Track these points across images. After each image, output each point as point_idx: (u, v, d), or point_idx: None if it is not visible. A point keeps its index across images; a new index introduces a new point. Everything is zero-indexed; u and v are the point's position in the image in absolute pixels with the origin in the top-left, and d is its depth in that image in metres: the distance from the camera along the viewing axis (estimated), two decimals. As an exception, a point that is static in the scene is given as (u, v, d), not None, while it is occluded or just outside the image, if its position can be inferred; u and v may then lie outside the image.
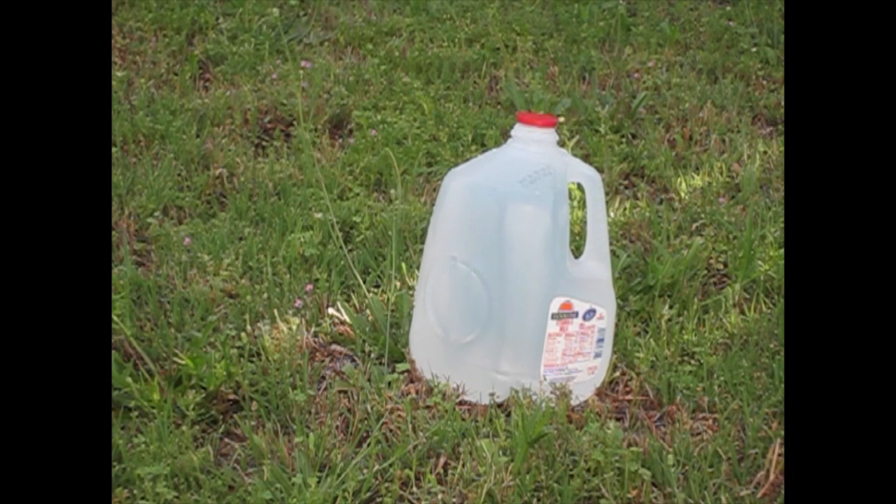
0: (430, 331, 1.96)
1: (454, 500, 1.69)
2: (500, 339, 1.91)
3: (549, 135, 1.94)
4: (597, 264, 1.96)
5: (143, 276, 2.25)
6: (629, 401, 1.96)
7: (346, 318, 2.12)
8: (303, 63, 3.40)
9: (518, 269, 1.90)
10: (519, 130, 1.95)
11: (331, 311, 2.15)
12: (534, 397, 1.87)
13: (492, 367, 1.91)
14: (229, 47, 3.56)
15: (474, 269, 1.91)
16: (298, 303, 2.15)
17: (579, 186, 2.13)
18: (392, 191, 2.66)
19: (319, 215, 2.49)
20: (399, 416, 1.86)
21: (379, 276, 2.27)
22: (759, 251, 2.37)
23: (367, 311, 2.13)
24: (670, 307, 2.18)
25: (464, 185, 1.95)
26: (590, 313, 1.93)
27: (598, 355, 1.96)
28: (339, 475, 1.70)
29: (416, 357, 1.99)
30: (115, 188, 2.60)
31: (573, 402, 1.91)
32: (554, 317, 1.90)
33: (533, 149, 1.93)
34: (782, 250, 2.35)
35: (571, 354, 1.93)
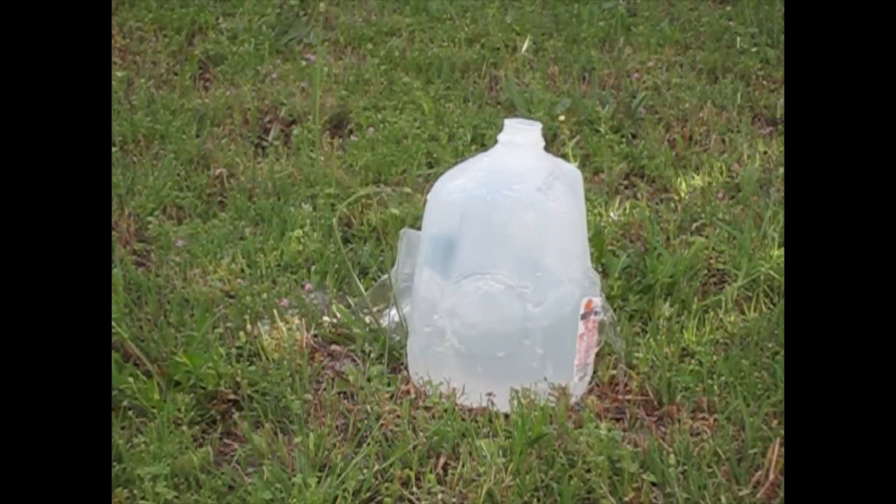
0: (442, 348, 1.92)
1: (454, 500, 1.69)
2: (541, 348, 1.89)
3: (540, 138, 1.93)
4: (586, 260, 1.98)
5: (143, 276, 2.25)
6: (629, 401, 1.96)
7: (343, 319, 2.12)
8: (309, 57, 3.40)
9: (555, 275, 1.89)
10: (509, 135, 1.91)
11: (325, 318, 2.14)
12: (534, 397, 1.87)
13: (530, 375, 1.88)
14: (229, 47, 3.56)
15: (508, 283, 1.87)
16: (284, 302, 2.15)
17: None
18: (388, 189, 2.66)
19: (307, 207, 2.49)
20: (398, 416, 1.86)
21: (377, 274, 2.28)
22: (759, 251, 2.37)
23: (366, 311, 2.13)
24: (670, 307, 2.18)
25: (474, 197, 1.90)
26: (599, 308, 1.94)
27: (598, 345, 1.99)
28: (339, 475, 1.70)
29: (417, 372, 1.96)
30: (115, 188, 2.60)
31: (575, 399, 1.91)
32: (582, 317, 1.91)
33: (529, 153, 1.91)
34: (782, 250, 2.35)
35: (590, 350, 1.95)
